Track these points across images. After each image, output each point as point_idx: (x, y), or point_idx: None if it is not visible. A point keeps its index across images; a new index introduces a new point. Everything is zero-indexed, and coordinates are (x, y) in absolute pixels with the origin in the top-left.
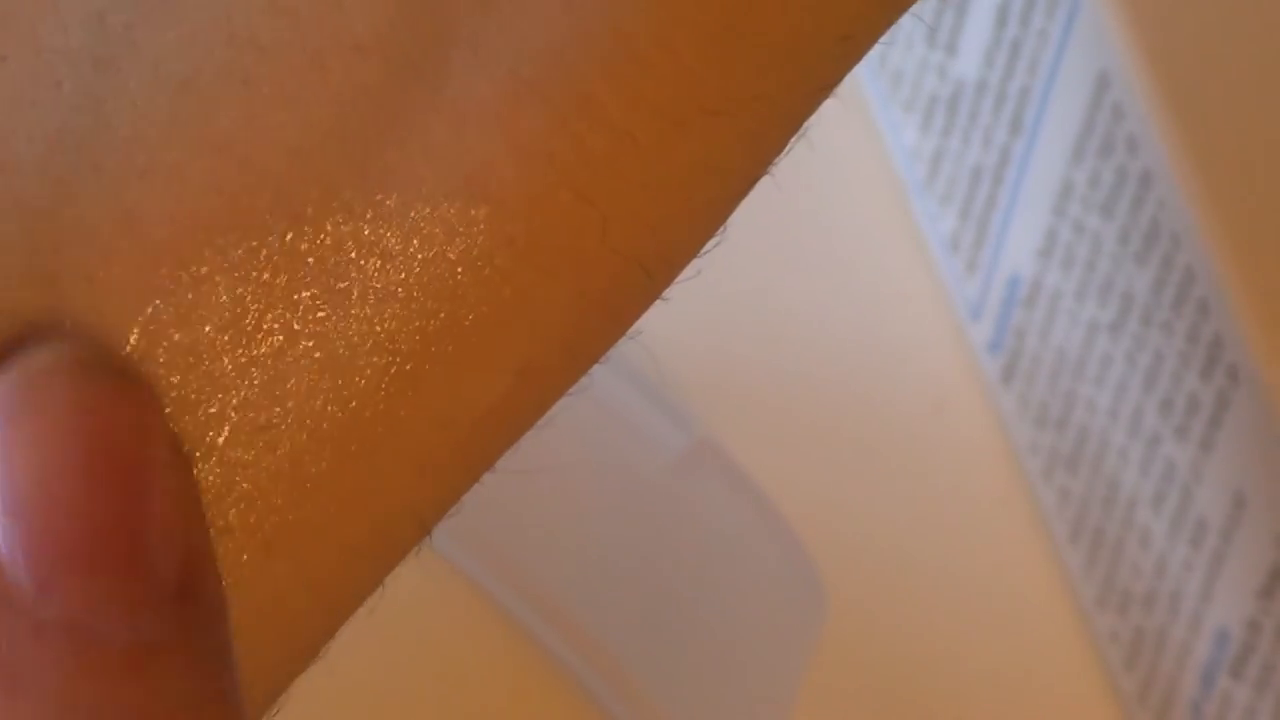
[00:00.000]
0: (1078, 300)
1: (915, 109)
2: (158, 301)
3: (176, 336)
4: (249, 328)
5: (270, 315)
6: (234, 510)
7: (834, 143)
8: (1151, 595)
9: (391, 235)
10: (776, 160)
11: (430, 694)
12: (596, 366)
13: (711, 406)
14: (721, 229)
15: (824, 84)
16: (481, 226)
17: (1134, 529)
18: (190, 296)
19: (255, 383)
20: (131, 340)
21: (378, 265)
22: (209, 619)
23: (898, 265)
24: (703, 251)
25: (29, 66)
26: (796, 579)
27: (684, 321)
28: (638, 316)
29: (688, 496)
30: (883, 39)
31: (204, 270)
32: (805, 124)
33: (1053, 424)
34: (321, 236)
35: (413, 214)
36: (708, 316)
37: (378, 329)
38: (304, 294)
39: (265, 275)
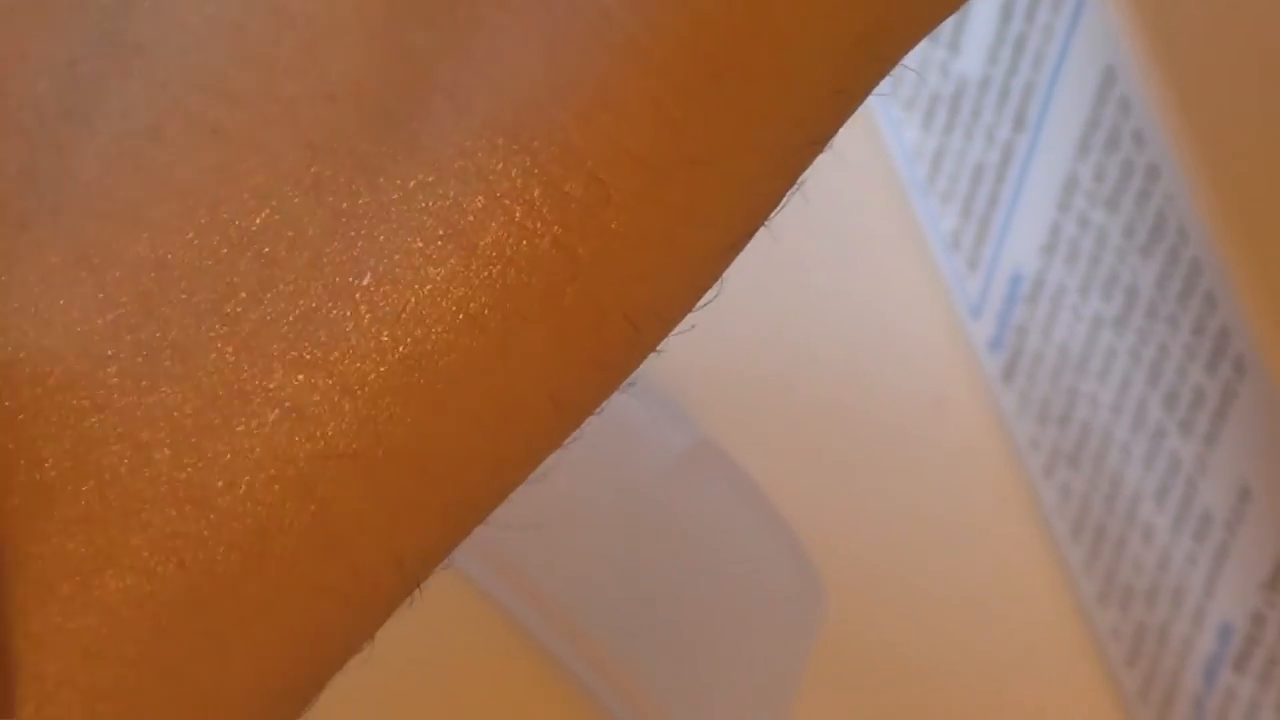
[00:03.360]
0: (1081, 295)
1: (916, 107)
2: (118, 342)
3: (143, 383)
4: (218, 379)
5: (242, 366)
6: (227, 553)
7: (834, 142)
8: (1154, 591)
9: (365, 283)
10: (772, 214)
11: (430, 694)
12: None
13: (711, 407)
14: (718, 283)
15: (817, 137)
16: (457, 273)
17: (1137, 524)
18: (152, 343)
19: (221, 435)
20: (87, 372)
21: (350, 313)
22: None
23: (898, 264)
24: (700, 305)
25: None
26: (796, 579)
27: (683, 321)
28: (630, 369)
29: (688, 497)
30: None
31: (168, 313)
32: (800, 178)
33: (1054, 420)
34: (293, 282)
35: (386, 262)
36: (707, 316)
37: (351, 379)
38: (274, 345)
39: (235, 326)
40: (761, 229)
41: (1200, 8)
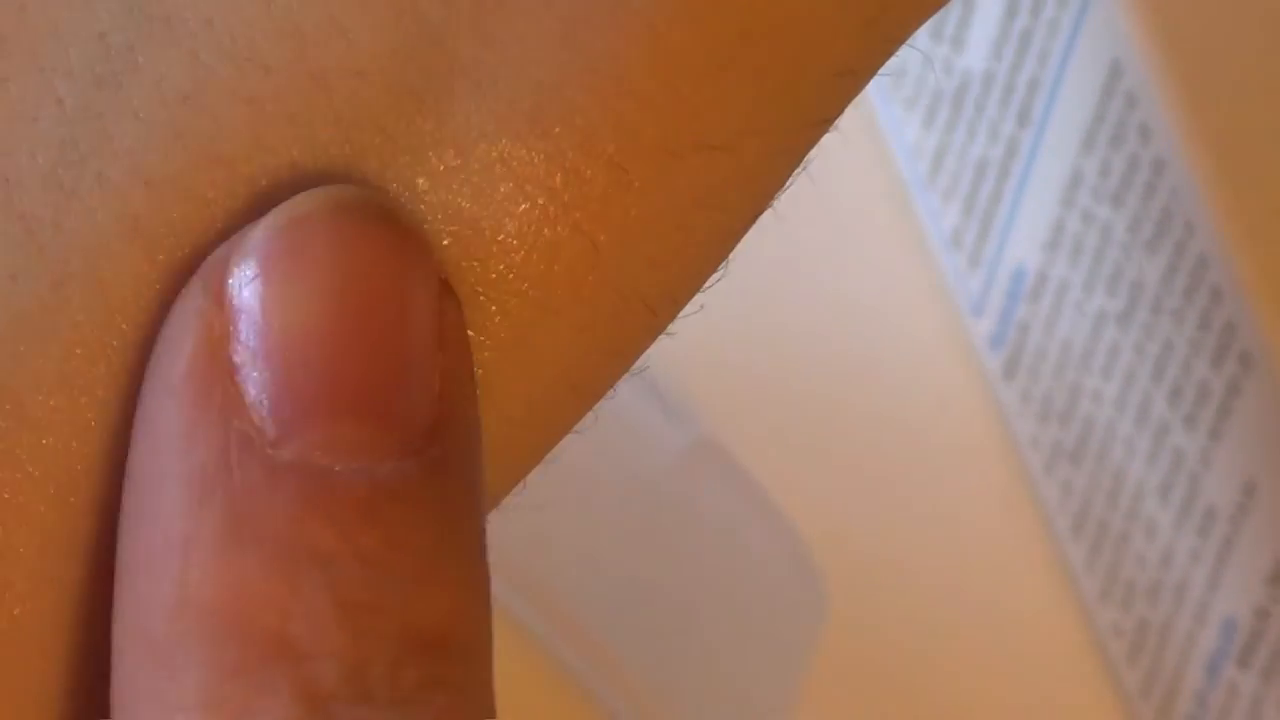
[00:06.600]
0: (1085, 291)
1: (918, 105)
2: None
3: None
4: None
5: None
6: None
7: (835, 140)
8: (1156, 587)
9: None
10: (778, 195)
11: None
12: None
13: (712, 406)
14: (724, 264)
15: (823, 118)
16: (482, 259)
17: (1140, 520)
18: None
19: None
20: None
21: None
22: (455, 466)
23: (899, 262)
24: (706, 286)
25: (31, 85)
26: (796, 578)
27: (684, 320)
28: (641, 351)
29: (688, 496)
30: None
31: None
32: (806, 158)
33: (1056, 417)
34: None
35: None
36: (708, 315)
37: None
38: None
39: None
40: (763, 228)
41: (1206, 2)
